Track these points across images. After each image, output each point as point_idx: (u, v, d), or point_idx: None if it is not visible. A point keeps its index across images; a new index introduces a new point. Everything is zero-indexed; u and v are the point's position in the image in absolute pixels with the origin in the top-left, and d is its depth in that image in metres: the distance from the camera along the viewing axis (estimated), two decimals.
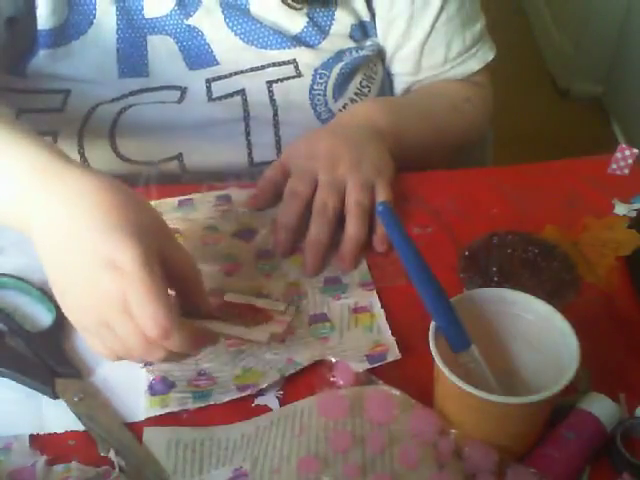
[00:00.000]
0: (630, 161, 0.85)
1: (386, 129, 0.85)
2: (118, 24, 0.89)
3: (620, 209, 0.81)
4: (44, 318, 0.70)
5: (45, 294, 0.71)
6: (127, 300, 0.55)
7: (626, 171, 0.86)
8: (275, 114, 0.89)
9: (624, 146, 0.85)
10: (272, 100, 0.89)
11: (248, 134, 0.89)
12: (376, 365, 0.65)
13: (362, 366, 0.65)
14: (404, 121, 0.90)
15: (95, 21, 0.88)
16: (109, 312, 0.56)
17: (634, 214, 0.80)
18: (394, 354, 0.66)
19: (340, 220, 0.76)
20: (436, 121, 0.95)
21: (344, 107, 0.91)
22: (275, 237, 0.76)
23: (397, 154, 0.83)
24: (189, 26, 0.90)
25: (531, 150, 2.12)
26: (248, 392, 0.63)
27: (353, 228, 0.75)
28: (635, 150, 0.85)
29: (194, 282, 0.62)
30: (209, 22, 0.90)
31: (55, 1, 0.86)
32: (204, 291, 0.63)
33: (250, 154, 0.89)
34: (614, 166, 0.86)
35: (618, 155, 0.86)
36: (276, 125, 0.89)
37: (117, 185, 0.59)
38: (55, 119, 0.88)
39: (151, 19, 0.89)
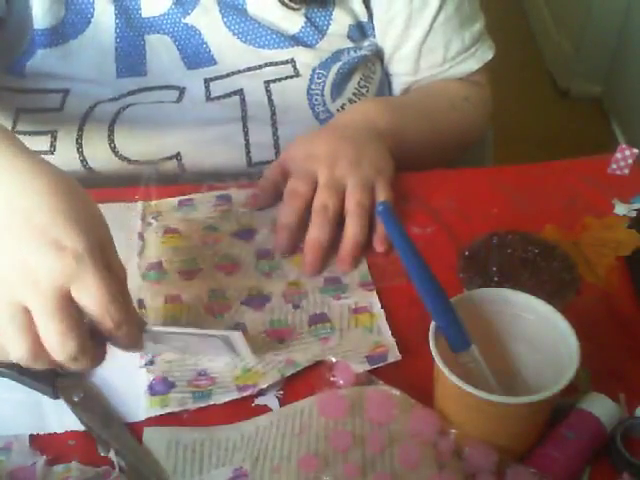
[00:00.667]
0: (630, 161, 0.85)
1: (385, 129, 0.85)
2: (116, 23, 0.89)
3: (620, 209, 0.81)
4: None
5: None
6: (67, 285, 0.52)
7: (626, 171, 0.86)
8: (273, 114, 0.89)
9: (624, 146, 0.85)
10: (270, 100, 0.89)
11: (246, 134, 0.89)
12: (376, 366, 0.65)
13: (362, 367, 0.65)
14: (403, 121, 0.90)
15: (93, 20, 0.88)
16: (42, 293, 0.52)
17: (634, 214, 0.80)
18: (394, 355, 0.66)
19: (340, 220, 0.76)
20: (435, 120, 0.95)
21: (342, 107, 0.91)
22: (276, 237, 0.76)
23: (396, 154, 0.83)
24: (187, 25, 0.90)
25: (531, 150, 2.12)
26: (248, 393, 0.63)
27: (353, 228, 0.75)
28: (635, 150, 0.85)
29: (122, 284, 0.59)
30: (206, 21, 0.90)
31: (50, 0, 0.86)
32: (129, 296, 0.60)
33: (248, 154, 0.89)
34: (614, 166, 0.86)
35: (618, 155, 0.86)
36: (274, 125, 0.89)
37: (65, 175, 0.57)
38: (54, 118, 0.88)
39: (149, 18, 0.89)
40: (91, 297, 0.53)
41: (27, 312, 0.53)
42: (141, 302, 0.71)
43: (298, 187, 0.77)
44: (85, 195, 0.57)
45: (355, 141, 0.81)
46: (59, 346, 0.53)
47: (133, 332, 0.57)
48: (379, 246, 0.76)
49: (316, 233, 0.74)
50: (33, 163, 0.56)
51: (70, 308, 0.53)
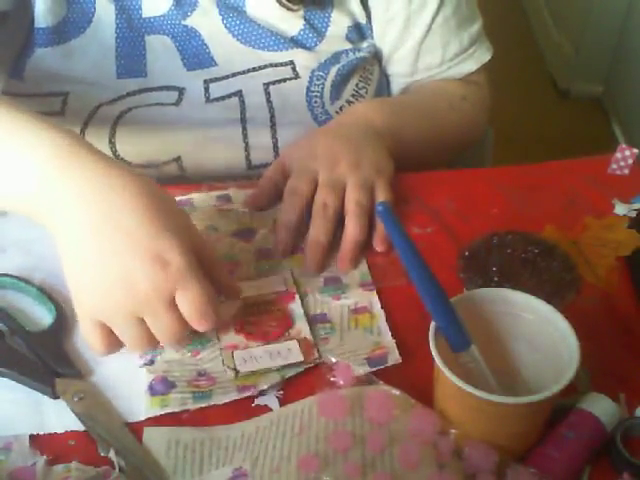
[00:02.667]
0: (630, 161, 0.85)
1: (384, 129, 0.85)
2: (117, 23, 0.89)
3: (620, 209, 0.81)
4: (44, 318, 0.70)
5: (45, 294, 0.71)
6: (172, 294, 0.59)
7: (626, 171, 0.86)
8: (272, 116, 0.89)
9: (624, 146, 0.85)
10: (269, 102, 0.89)
11: (245, 136, 0.89)
12: (376, 369, 0.65)
13: (362, 369, 0.64)
14: (402, 121, 0.90)
15: (94, 19, 0.88)
16: (152, 304, 0.59)
17: (634, 214, 0.80)
18: (394, 358, 0.66)
19: (340, 220, 0.76)
20: (434, 120, 0.95)
21: (341, 109, 0.91)
22: (276, 236, 0.76)
23: (396, 153, 0.83)
24: (186, 26, 0.90)
25: (531, 150, 2.12)
26: (248, 394, 0.63)
27: (353, 228, 0.75)
28: (635, 150, 0.85)
29: (219, 268, 0.66)
30: (206, 23, 0.90)
31: (53, 1, 0.86)
32: (227, 273, 0.68)
33: (248, 156, 0.89)
34: (614, 166, 0.86)
35: (618, 155, 0.86)
36: (273, 127, 0.89)
37: (149, 182, 0.62)
38: (55, 123, 0.87)
39: (149, 18, 0.89)
40: (191, 305, 0.60)
41: (140, 320, 0.60)
42: None
43: (298, 186, 0.77)
44: (174, 204, 0.63)
45: (355, 141, 0.81)
46: (171, 344, 0.63)
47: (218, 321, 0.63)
48: (379, 246, 0.76)
49: (316, 232, 0.74)
50: (127, 180, 0.60)
51: (177, 311, 0.60)
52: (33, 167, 0.60)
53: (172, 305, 0.60)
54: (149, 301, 0.59)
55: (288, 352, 0.66)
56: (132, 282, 0.58)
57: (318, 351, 0.67)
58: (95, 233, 0.59)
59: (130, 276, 0.58)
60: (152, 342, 0.62)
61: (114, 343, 0.62)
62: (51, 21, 0.87)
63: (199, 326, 0.61)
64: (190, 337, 0.65)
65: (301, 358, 0.66)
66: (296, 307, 0.71)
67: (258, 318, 0.69)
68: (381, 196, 0.78)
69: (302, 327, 0.69)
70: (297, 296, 0.72)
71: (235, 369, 0.65)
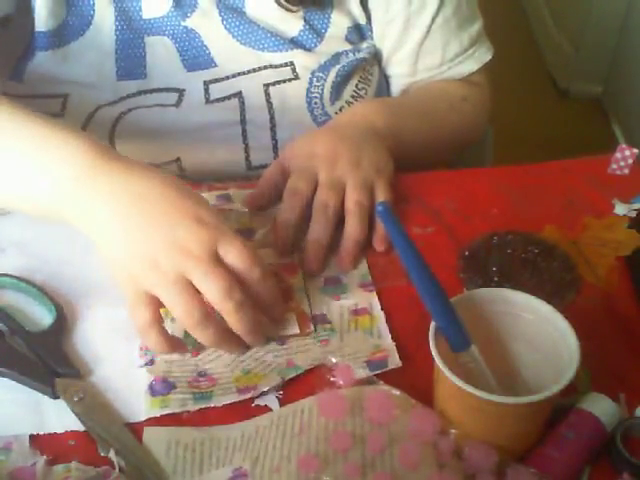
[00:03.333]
0: (630, 161, 0.85)
1: (384, 129, 0.85)
2: (116, 25, 0.89)
3: (620, 209, 0.81)
4: (44, 318, 0.70)
5: (45, 294, 0.71)
6: (215, 248, 0.63)
7: (626, 171, 0.86)
8: (272, 117, 0.89)
9: (624, 146, 0.85)
10: (269, 103, 0.89)
11: (245, 138, 0.89)
12: (376, 372, 0.65)
13: (362, 372, 0.64)
14: (401, 121, 0.90)
15: (93, 22, 0.88)
16: (197, 259, 0.62)
17: (634, 214, 0.80)
18: (394, 362, 0.66)
19: (340, 220, 0.76)
20: (434, 120, 0.95)
21: (340, 110, 0.91)
22: (276, 235, 0.76)
23: (396, 153, 0.83)
24: (186, 27, 0.90)
25: (531, 150, 2.12)
26: (248, 395, 0.63)
27: (353, 228, 0.75)
28: (635, 150, 0.85)
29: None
30: (206, 24, 0.90)
31: (53, 2, 0.86)
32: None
33: (247, 157, 0.89)
34: (614, 166, 0.86)
35: (618, 155, 0.86)
36: (273, 129, 0.89)
37: (172, 179, 0.67)
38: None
39: (149, 20, 0.89)
40: (236, 252, 0.63)
41: (188, 283, 0.62)
42: None
43: (298, 186, 0.77)
44: (189, 191, 0.68)
45: (355, 141, 0.81)
46: (224, 298, 0.62)
47: (274, 284, 0.66)
48: (379, 246, 0.76)
49: (316, 232, 0.74)
50: (151, 171, 0.68)
51: (223, 266, 0.62)
52: (64, 174, 0.65)
53: (217, 259, 0.63)
54: (194, 257, 0.62)
55: (285, 323, 0.68)
56: (176, 241, 0.62)
57: (314, 324, 0.69)
58: (132, 208, 0.64)
59: (174, 236, 0.62)
60: (201, 307, 0.62)
61: (159, 317, 0.64)
62: (51, 25, 0.87)
63: (250, 273, 0.63)
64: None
65: (297, 330, 0.68)
66: (297, 280, 0.73)
67: None
68: (381, 196, 0.78)
69: (301, 300, 0.71)
70: (300, 270, 0.73)
71: None
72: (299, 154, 0.80)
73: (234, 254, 0.63)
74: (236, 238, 0.64)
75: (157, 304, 0.63)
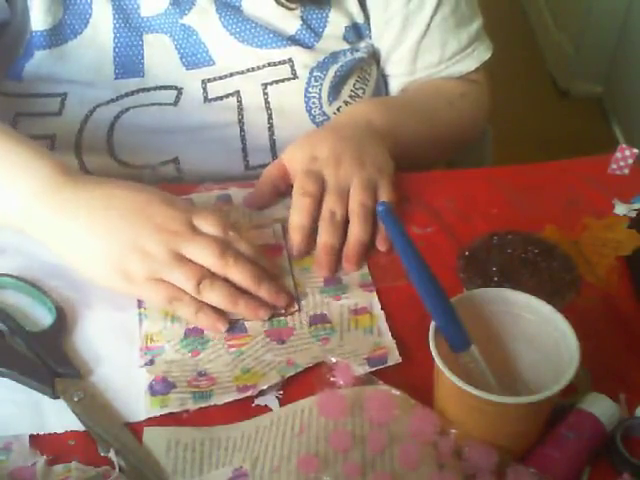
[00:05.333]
0: (630, 161, 0.85)
1: (383, 128, 0.85)
2: (114, 23, 0.88)
3: (620, 209, 0.81)
4: (44, 318, 0.70)
5: (45, 294, 0.71)
6: (191, 220, 0.69)
7: (626, 171, 0.86)
8: (270, 117, 0.89)
9: (624, 146, 0.85)
10: (267, 103, 0.89)
11: (243, 137, 0.89)
12: (376, 369, 0.65)
13: (362, 369, 0.64)
14: (399, 119, 0.90)
15: (91, 20, 0.88)
16: (180, 233, 0.67)
17: (634, 214, 0.80)
18: (394, 358, 0.66)
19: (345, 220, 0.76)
20: (432, 118, 0.95)
21: (338, 110, 0.91)
22: (289, 238, 0.76)
23: (395, 153, 0.83)
24: (184, 25, 0.89)
25: (531, 150, 2.12)
26: (248, 394, 0.63)
27: (357, 230, 0.75)
28: (635, 150, 0.85)
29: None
30: (203, 21, 0.89)
31: (50, 1, 0.86)
32: None
33: (245, 157, 0.89)
34: (614, 166, 0.86)
35: (618, 155, 0.86)
36: (271, 128, 0.89)
37: (131, 183, 0.72)
38: (53, 123, 0.87)
39: (147, 17, 0.89)
40: (209, 220, 0.70)
41: (181, 256, 0.67)
42: (141, 302, 0.71)
43: (307, 187, 0.77)
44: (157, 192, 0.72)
45: (356, 141, 0.81)
46: (219, 256, 0.67)
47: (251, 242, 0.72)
48: (381, 245, 0.76)
49: (326, 238, 0.75)
50: (118, 183, 0.72)
51: (203, 233, 0.69)
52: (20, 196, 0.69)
53: (197, 229, 0.69)
54: (176, 232, 0.67)
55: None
56: (156, 225, 0.67)
57: (298, 304, 0.71)
58: (97, 212, 0.69)
59: (152, 222, 0.68)
60: (205, 272, 0.67)
61: (175, 292, 0.67)
62: (48, 24, 0.87)
63: (226, 236, 0.69)
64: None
65: (282, 310, 0.70)
66: (281, 260, 0.74)
67: None
68: (384, 196, 0.78)
69: (286, 280, 0.73)
70: (284, 251, 0.76)
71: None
72: (301, 157, 0.80)
73: (208, 222, 0.69)
74: (204, 210, 0.71)
75: (168, 282, 0.68)
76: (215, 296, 0.68)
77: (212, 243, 0.68)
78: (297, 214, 0.76)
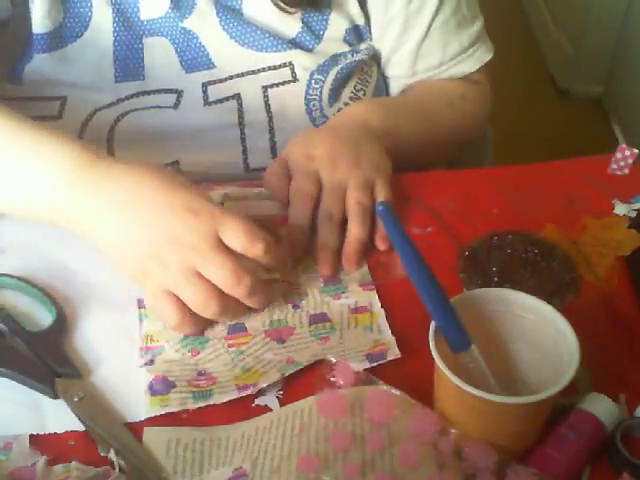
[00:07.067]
0: (630, 161, 0.85)
1: (380, 128, 0.85)
2: (114, 26, 0.88)
3: (620, 209, 0.81)
4: (44, 318, 0.70)
5: (45, 294, 0.71)
6: (216, 235, 0.64)
7: (626, 171, 0.86)
8: (270, 120, 0.89)
9: (624, 146, 0.85)
10: (267, 105, 0.89)
11: (243, 140, 0.89)
12: (376, 364, 0.65)
13: (362, 365, 0.65)
14: (397, 120, 0.90)
15: (91, 23, 0.88)
16: (200, 249, 0.64)
17: (634, 214, 0.80)
18: (394, 353, 0.66)
19: (343, 220, 0.76)
20: (431, 118, 0.95)
21: (338, 112, 0.91)
22: (290, 239, 0.76)
23: (393, 153, 0.83)
24: (184, 28, 0.89)
25: (531, 150, 2.12)
26: (248, 392, 0.63)
27: (356, 229, 0.75)
28: (635, 150, 0.85)
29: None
30: (204, 24, 0.89)
31: (49, 4, 0.86)
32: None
33: (246, 160, 0.89)
34: (614, 166, 0.86)
35: (618, 155, 0.86)
36: (271, 131, 0.89)
37: (161, 170, 0.70)
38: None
39: (147, 21, 0.89)
40: (234, 233, 0.65)
41: (198, 275, 0.64)
42: (141, 302, 0.71)
43: (304, 187, 0.77)
44: (178, 179, 0.69)
45: (353, 141, 0.81)
46: (234, 284, 0.64)
47: (278, 251, 0.69)
48: (381, 244, 0.76)
49: (325, 239, 0.75)
50: (141, 167, 0.69)
51: (225, 251, 0.64)
52: (56, 178, 0.67)
53: (219, 245, 0.64)
54: (195, 247, 0.64)
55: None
56: (175, 235, 0.64)
57: (295, 270, 0.73)
58: (126, 205, 0.66)
59: (172, 230, 0.64)
60: (217, 295, 0.64)
61: (185, 310, 0.65)
62: (48, 27, 0.86)
63: (253, 249, 0.65)
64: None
65: (278, 276, 0.71)
66: (284, 231, 0.76)
67: None
68: (381, 195, 0.78)
69: (287, 248, 0.75)
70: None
71: None
72: (298, 156, 0.80)
73: (233, 235, 0.65)
74: (232, 219, 0.65)
75: (177, 299, 0.65)
76: (226, 318, 0.68)
77: (227, 268, 0.64)
78: (295, 215, 0.76)
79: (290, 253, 0.75)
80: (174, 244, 0.64)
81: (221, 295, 0.65)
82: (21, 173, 0.69)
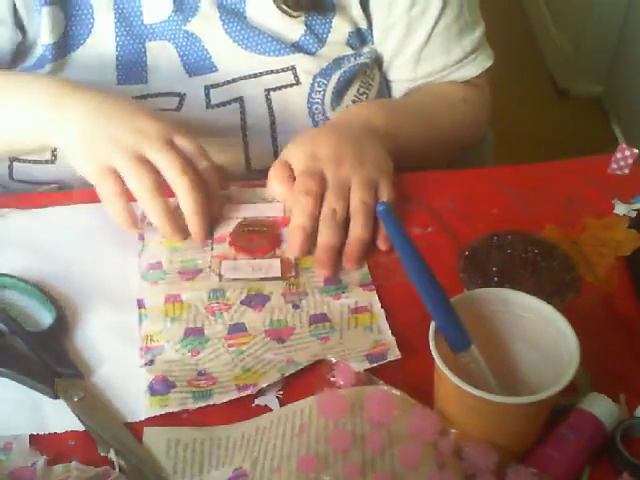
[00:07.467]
0: (630, 161, 0.85)
1: (382, 129, 0.85)
2: (116, 31, 0.89)
3: (620, 209, 0.81)
4: (44, 318, 0.70)
5: (45, 294, 0.71)
6: (171, 137, 0.74)
7: (626, 171, 0.86)
8: (273, 123, 0.89)
9: (624, 146, 0.85)
10: (270, 108, 0.89)
11: (246, 143, 0.89)
12: (376, 365, 0.65)
13: (362, 366, 0.65)
14: (400, 122, 0.89)
15: (94, 30, 0.88)
16: (154, 140, 0.73)
17: (634, 214, 0.80)
18: (394, 354, 0.66)
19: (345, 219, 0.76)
20: (432, 121, 0.95)
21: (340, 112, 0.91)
22: (292, 238, 0.76)
23: (394, 154, 0.83)
24: (187, 32, 0.89)
25: (531, 150, 2.11)
26: (248, 392, 0.63)
27: (359, 228, 0.75)
28: (635, 150, 0.85)
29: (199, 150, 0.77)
30: (207, 28, 0.89)
31: (53, 15, 0.86)
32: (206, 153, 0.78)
33: (248, 162, 0.89)
34: (614, 166, 0.86)
35: (618, 155, 0.86)
36: (273, 134, 0.89)
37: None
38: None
39: (150, 25, 0.89)
40: (188, 141, 0.75)
41: (146, 160, 0.72)
42: (141, 302, 0.71)
43: (308, 186, 0.76)
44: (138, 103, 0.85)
45: (356, 141, 0.81)
46: (179, 173, 0.72)
47: (215, 167, 0.77)
48: (382, 244, 0.76)
49: (327, 237, 0.75)
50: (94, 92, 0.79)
51: (177, 149, 0.74)
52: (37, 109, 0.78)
53: (172, 144, 0.74)
54: (151, 138, 0.73)
55: (269, 267, 0.74)
56: (136, 127, 0.74)
57: (296, 270, 0.74)
58: (98, 109, 0.76)
59: (135, 123, 0.74)
60: (154, 176, 0.72)
61: (123, 190, 0.73)
62: (53, 37, 0.87)
63: (199, 160, 0.74)
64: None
65: (279, 274, 0.73)
66: (286, 231, 0.77)
67: (251, 236, 0.77)
68: (385, 194, 0.78)
69: (287, 248, 0.76)
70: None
71: (220, 274, 0.73)
72: (302, 156, 0.80)
73: (186, 142, 0.75)
74: (189, 134, 0.75)
75: (119, 177, 0.73)
76: (149, 207, 0.73)
77: (176, 159, 0.72)
78: (298, 214, 0.76)
79: (292, 253, 0.75)
80: (132, 131, 0.73)
81: (157, 180, 0.72)
82: (9, 110, 0.81)
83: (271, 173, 0.81)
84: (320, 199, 0.76)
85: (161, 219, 0.74)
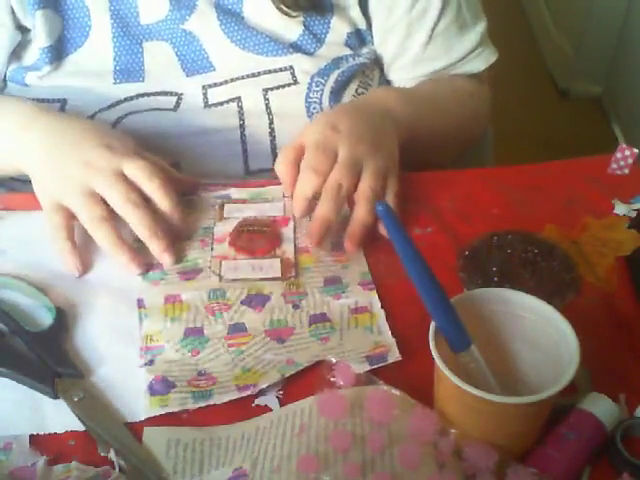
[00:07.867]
0: (630, 161, 0.85)
1: (401, 119, 0.85)
2: (113, 32, 0.89)
3: (620, 209, 0.81)
4: (44, 318, 0.70)
5: (45, 294, 0.71)
6: (121, 167, 0.74)
7: (626, 171, 0.86)
8: (271, 122, 0.89)
9: (624, 146, 0.85)
10: (268, 108, 0.89)
11: (244, 142, 0.89)
12: (376, 367, 0.65)
13: (362, 367, 0.65)
14: (418, 112, 0.89)
15: (90, 32, 0.88)
16: (104, 174, 0.73)
17: (634, 214, 0.80)
18: (394, 355, 0.66)
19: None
20: (444, 113, 0.95)
21: (360, 95, 0.90)
22: (293, 207, 0.76)
23: (407, 143, 0.83)
24: (185, 31, 0.89)
25: (531, 150, 2.12)
26: (248, 392, 0.63)
27: (363, 211, 0.75)
28: (635, 150, 0.85)
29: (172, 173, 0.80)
30: (204, 27, 0.89)
31: (49, 19, 0.86)
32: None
33: (246, 162, 0.89)
34: (614, 166, 0.86)
35: (618, 155, 0.86)
36: (272, 133, 0.89)
37: (97, 123, 0.84)
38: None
39: (147, 25, 0.89)
40: (136, 166, 0.74)
41: (96, 196, 0.73)
42: (141, 302, 0.71)
43: (318, 164, 0.75)
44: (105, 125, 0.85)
45: (376, 127, 0.81)
46: (124, 201, 0.73)
47: (171, 190, 0.76)
48: (384, 231, 0.75)
49: (326, 209, 0.74)
50: (77, 118, 0.82)
51: (126, 179, 0.74)
52: (9, 132, 0.81)
53: (122, 175, 0.74)
54: (99, 170, 0.73)
55: (269, 267, 0.74)
56: (87, 161, 0.74)
57: (296, 270, 0.74)
58: (56, 139, 0.77)
59: (86, 157, 0.74)
60: (102, 208, 0.73)
61: (69, 224, 0.74)
62: (49, 40, 0.87)
63: (149, 182, 0.74)
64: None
65: (279, 274, 0.73)
66: (287, 231, 0.78)
67: (251, 236, 0.77)
68: (392, 188, 0.78)
69: (287, 248, 0.77)
70: (290, 222, 0.79)
71: (220, 274, 0.73)
72: (322, 124, 0.79)
73: (134, 167, 0.74)
74: (140, 158, 0.75)
75: (69, 213, 0.74)
76: (97, 236, 0.73)
77: (121, 187, 0.73)
78: (302, 187, 0.75)
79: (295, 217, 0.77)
80: (82, 167, 0.74)
81: (106, 212, 0.73)
82: None
83: (281, 156, 0.79)
84: (327, 177, 0.75)
85: (111, 248, 0.73)
